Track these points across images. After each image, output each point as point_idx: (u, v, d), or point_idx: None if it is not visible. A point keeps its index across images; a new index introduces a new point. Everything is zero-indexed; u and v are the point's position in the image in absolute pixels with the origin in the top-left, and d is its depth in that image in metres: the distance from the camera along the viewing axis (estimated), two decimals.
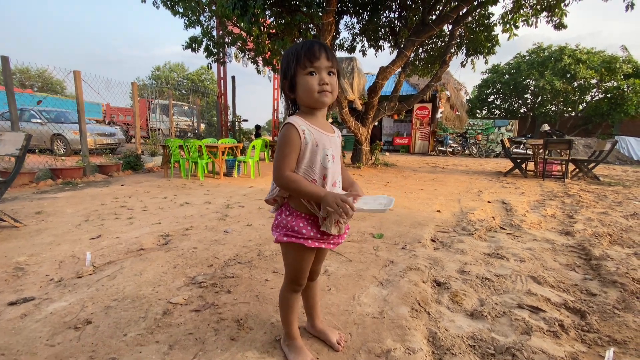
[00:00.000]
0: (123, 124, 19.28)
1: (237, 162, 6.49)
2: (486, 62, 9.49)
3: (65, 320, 1.38)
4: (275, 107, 16.58)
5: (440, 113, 15.89)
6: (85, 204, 3.75)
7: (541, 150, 6.54)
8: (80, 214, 3.33)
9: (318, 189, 1.00)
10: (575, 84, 15.99)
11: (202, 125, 13.64)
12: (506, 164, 9.56)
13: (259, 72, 10.41)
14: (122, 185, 5.26)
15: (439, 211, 3.69)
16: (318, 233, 1.06)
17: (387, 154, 14.61)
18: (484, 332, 1.38)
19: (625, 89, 14.73)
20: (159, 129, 13.96)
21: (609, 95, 15.29)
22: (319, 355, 1.21)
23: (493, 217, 3.45)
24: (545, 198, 4.66)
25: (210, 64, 9.14)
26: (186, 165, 6.23)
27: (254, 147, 6.46)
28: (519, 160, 7.18)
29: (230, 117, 12.70)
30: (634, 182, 6.46)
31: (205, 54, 8.39)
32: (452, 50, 8.58)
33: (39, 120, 10.08)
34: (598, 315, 1.57)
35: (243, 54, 9.22)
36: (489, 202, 4.34)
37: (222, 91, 12.33)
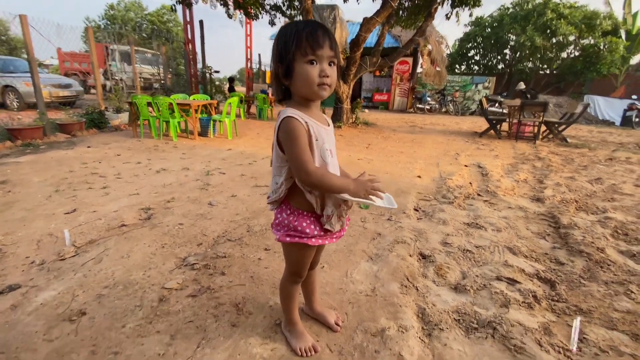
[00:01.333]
0: (79, 72, 17.41)
1: (212, 121, 6.17)
2: (471, 15, 9.17)
3: (58, 312, 1.34)
4: (249, 56, 15.51)
5: (421, 67, 15.61)
6: (52, 171, 3.49)
7: (517, 111, 6.70)
8: (49, 183, 3.10)
9: (346, 180, 0.96)
10: (554, 40, 15.99)
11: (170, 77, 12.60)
12: (481, 123, 9.76)
13: (229, 16, 9.50)
14: (89, 147, 4.91)
15: (419, 177, 3.78)
16: (321, 230, 1.05)
17: (366, 110, 14.44)
18: (467, 306, 1.50)
19: (602, 47, 14.96)
20: (120, 79, 12.75)
21: (584, 54, 15.51)
22: (319, 337, 1.28)
23: (470, 183, 3.60)
24: (518, 161, 4.88)
25: (175, 5, 8.19)
26: (156, 124, 5.84)
27: (230, 104, 6.12)
28: (494, 122, 7.35)
29: (199, 67, 11.77)
30: (599, 144, 6.88)
31: None
32: (438, 0, 8.15)
33: None
34: (566, 284, 1.74)
35: None
36: (465, 165, 4.49)
37: (190, 37, 11.25)
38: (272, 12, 9.94)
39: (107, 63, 13.20)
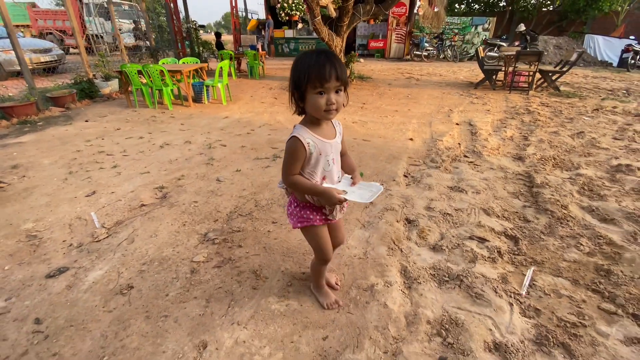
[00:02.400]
0: (55, 31, 16.32)
1: (205, 87, 6.14)
2: None
3: (109, 287, 1.66)
4: (234, 4, 14.50)
5: (419, 7, 14.73)
6: (59, 151, 3.65)
7: (512, 61, 6.63)
8: (60, 165, 3.30)
9: (316, 188, 1.20)
10: None
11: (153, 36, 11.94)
12: (478, 71, 9.62)
13: None
14: (87, 121, 4.99)
15: (411, 139, 3.98)
16: (323, 215, 1.32)
17: (361, 60, 13.96)
18: (442, 263, 1.84)
19: None
20: (100, 37, 12.08)
21: None
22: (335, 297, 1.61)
23: (459, 144, 3.82)
24: (508, 116, 5.04)
25: None
26: (149, 92, 5.81)
27: (221, 69, 6.03)
28: (490, 72, 7.29)
29: (183, 22, 11.12)
30: (590, 92, 6.94)
31: None
32: None
33: None
34: (528, 240, 2.07)
35: None
36: (457, 124, 4.66)
37: None
38: None
39: (83, 20, 12.39)
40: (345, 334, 1.41)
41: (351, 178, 1.31)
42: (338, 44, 7.95)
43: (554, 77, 6.76)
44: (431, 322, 1.48)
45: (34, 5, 17.25)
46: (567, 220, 2.24)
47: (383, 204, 2.45)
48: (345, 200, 1.18)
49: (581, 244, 1.99)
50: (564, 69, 6.61)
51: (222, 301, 1.56)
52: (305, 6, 7.14)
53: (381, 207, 2.40)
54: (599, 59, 12.73)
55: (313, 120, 1.18)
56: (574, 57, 6.49)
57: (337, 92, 1.10)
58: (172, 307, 1.53)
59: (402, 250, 1.96)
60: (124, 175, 3.03)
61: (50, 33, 16.14)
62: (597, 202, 2.47)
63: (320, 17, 7.31)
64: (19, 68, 8.54)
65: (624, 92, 6.94)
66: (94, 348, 1.34)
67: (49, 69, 9.25)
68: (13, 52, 8.26)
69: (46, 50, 9.70)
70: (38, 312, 1.52)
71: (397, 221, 2.23)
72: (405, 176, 2.97)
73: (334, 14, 7.69)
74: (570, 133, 4.16)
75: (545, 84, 6.97)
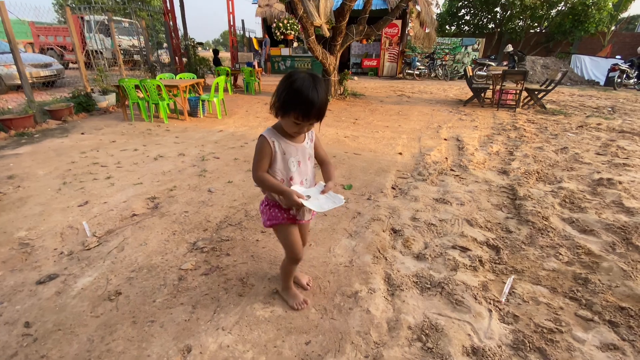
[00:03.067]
0: (55, 47, 16.59)
1: (200, 101, 6.26)
2: None
3: (98, 294, 1.68)
4: (232, 22, 14.91)
5: (410, 28, 15.27)
6: (54, 163, 3.69)
7: (499, 80, 6.88)
8: (55, 176, 3.34)
9: (280, 187, 1.28)
10: None
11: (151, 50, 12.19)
12: (468, 90, 9.91)
13: None
14: (82, 133, 5.05)
15: (400, 154, 4.09)
16: (290, 215, 1.40)
17: (355, 78, 14.34)
18: (425, 271, 1.89)
19: (590, 5, 14.75)
20: (100, 52, 12.30)
21: (573, 12, 15.29)
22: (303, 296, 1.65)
23: (446, 158, 3.93)
24: (495, 132, 5.19)
25: None
26: (146, 106, 5.92)
27: (217, 84, 6.18)
28: (478, 90, 7.54)
29: (182, 39, 11.40)
30: (576, 109, 7.18)
31: None
32: None
33: None
34: (509, 249, 2.14)
35: None
36: (445, 139, 4.79)
37: (169, 7, 10.79)
38: None
39: (84, 35, 12.67)
40: (328, 338, 1.44)
41: (324, 186, 1.37)
42: (332, 62, 8.20)
43: (539, 95, 7.00)
44: (412, 327, 1.52)
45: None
46: (548, 231, 2.31)
47: (370, 214, 2.51)
48: (302, 205, 1.26)
49: (560, 254, 2.06)
50: (549, 88, 6.87)
51: (208, 307, 1.59)
52: (299, 26, 7.39)
53: (368, 218, 2.46)
54: (586, 78, 13.20)
55: (283, 129, 1.29)
56: (558, 76, 6.76)
57: (310, 124, 1.22)
58: (158, 312, 1.55)
59: (386, 259, 2.01)
60: (117, 186, 3.07)
61: (51, 48, 16.44)
62: (578, 214, 2.56)
63: (314, 36, 7.57)
64: (18, 82, 8.67)
65: (609, 109, 7.19)
66: (80, 351, 1.36)
67: (48, 83, 9.39)
68: (14, 66, 8.41)
69: (46, 65, 9.87)
70: (28, 317, 1.54)
71: (383, 231, 2.29)
72: (393, 188, 3.05)
73: (327, 33, 7.96)
74: (555, 148, 4.30)
75: (532, 102, 7.22)
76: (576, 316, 1.59)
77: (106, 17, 12.13)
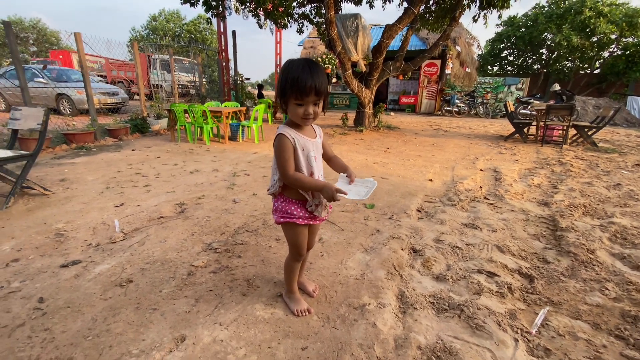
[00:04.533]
0: (124, 80, 18.95)
1: (241, 127, 6.66)
2: (500, 17, 9.03)
3: (111, 279, 1.74)
4: (278, 62, 16.12)
5: (449, 70, 15.38)
6: (103, 171, 4.06)
7: (543, 115, 6.56)
8: (100, 182, 3.65)
9: (318, 182, 1.28)
10: (595, 39, 15.12)
11: (204, 84, 13.45)
12: (510, 127, 9.54)
13: (260, 26, 10.04)
14: (133, 150, 5.54)
15: (430, 180, 3.95)
16: (306, 213, 1.36)
17: (392, 114, 14.50)
18: (444, 292, 1.72)
19: None
20: (160, 86, 13.80)
21: (627, 53, 14.53)
22: (308, 304, 1.57)
23: (480, 187, 3.71)
24: (538, 166, 4.86)
25: (210, 18, 8.85)
26: (192, 129, 6.42)
27: (257, 112, 6.58)
28: (520, 125, 7.22)
29: (232, 75, 12.49)
30: (632, 149, 6.56)
31: (204, 7, 8.10)
32: (465, 2, 8.12)
33: (42, 80, 10.09)
34: (545, 280, 1.90)
35: (243, 6, 8.83)
36: (481, 170, 4.57)
37: (223, 47, 11.99)
38: (300, 21, 10.37)
39: (150, 72, 14.38)
40: (327, 347, 1.34)
41: (347, 176, 1.36)
42: (367, 95, 8.42)
43: (590, 132, 6.52)
44: (422, 348, 1.36)
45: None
46: (593, 265, 2.04)
47: (390, 232, 2.40)
48: (341, 192, 1.22)
49: (607, 288, 1.79)
50: (600, 125, 6.39)
51: (210, 302, 1.57)
52: (337, 61, 7.79)
53: (387, 235, 2.35)
54: None
55: (293, 123, 1.30)
56: (611, 112, 6.30)
57: (315, 104, 1.22)
58: (162, 302, 1.56)
59: (402, 276, 1.87)
60: (152, 193, 3.28)
61: (121, 81, 18.81)
62: (630, 249, 2.24)
63: (350, 70, 7.90)
64: (87, 107, 9.93)
65: None
66: (82, 328, 1.39)
67: (114, 109, 10.64)
68: (83, 93, 9.65)
69: (113, 94, 11.23)
70: (44, 293, 1.62)
71: (402, 249, 2.16)
72: (418, 210, 2.92)
73: (364, 69, 8.27)
74: (606, 185, 3.90)
75: (581, 139, 6.73)
76: (621, 356, 1.33)
77: (169, 56, 13.76)
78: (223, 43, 11.90)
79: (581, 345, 1.40)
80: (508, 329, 1.47)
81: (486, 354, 1.33)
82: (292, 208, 1.36)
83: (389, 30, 7.67)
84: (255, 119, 6.61)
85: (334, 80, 16.01)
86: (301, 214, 1.36)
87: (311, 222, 1.41)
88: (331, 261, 2.00)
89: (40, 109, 3.22)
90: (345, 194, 1.22)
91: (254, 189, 3.40)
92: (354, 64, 8.21)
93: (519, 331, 1.47)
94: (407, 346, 1.36)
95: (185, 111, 6.30)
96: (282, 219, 1.38)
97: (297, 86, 1.16)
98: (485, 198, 3.33)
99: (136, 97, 17.99)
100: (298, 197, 1.36)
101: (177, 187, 3.49)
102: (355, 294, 1.68)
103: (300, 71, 1.16)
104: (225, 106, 7.82)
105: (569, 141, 6.67)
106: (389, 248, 2.14)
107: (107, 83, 17.48)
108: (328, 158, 1.45)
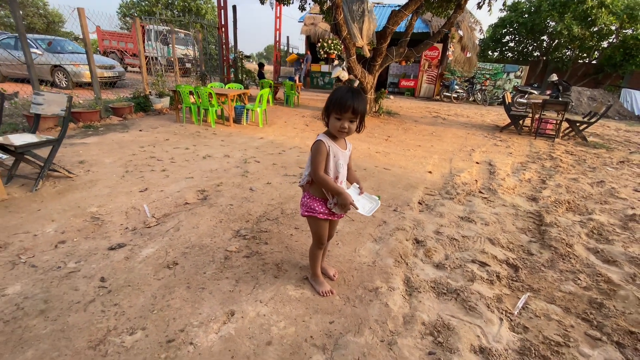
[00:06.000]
0: (117, 50, 18.36)
1: (245, 110, 6.77)
2: (504, 5, 9.04)
3: (159, 262, 2.01)
4: (277, 38, 15.82)
5: (450, 52, 15.33)
6: (117, 153, 4.22)
7: (538, 108, 6.81)
8: (119, 165, 3.83)
9: (339, 188, 1.55)
10: (595, 29, 15.15)
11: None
12: (506, 117, 9.78)
13: (262, 1, 9.85)
14: (140, 130, 5.66)
15: (430, 172, 4.23)
16: (327, 210, 1.64)
17: (391, 97, 14.57)
18: (443, 278, 2.04)
19: None
20: (155, 59, 13.51)
21: (625, 45, 14.66)
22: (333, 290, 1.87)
23: (476, 180, 4.01)
24: (529, 160, 5.17)
25: None
26: (197, 110, 6.51)
27: (261, 96, 6.67)
28: (516, 117, 7.47)
29: (232, 55, 12.30)
30: (619, 144, 6.91)
31: None
32: None
33: (36, 50, 9.80)
34: (528, 270, 2.23)
35: None
36: (477, 162, 4.86)
37: (223, 23, 11.73)
38: None
39: (145, 44, 14.01)
40: (349, 321, 1.64)
41: (358, 187, 1.65)
42: (369, 81, 8.51)
43: (581, 127, 6.83)
44: (426, 324, 1.68)
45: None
46: (570, 258, 2.37)
47: (395, 224, 2.69)
48: (353, 205, 1.53)
49: (579, 279, 2.12)
50: (592, 120, 6.69)
51: (249, 283, 1.86)
52: (342, 46, 7.82)
53: (393, 227, 2.64)
54: (636, 114, 12.50)
55: (331, 133, 1.56)
56: (602, 109, 6.57)
57: (351, 121, 1.48)
58: (208, 282, 1.84)
59: (407, 264, 2.18)
60: (171, 178, 3.49)
61: (113, 52, 18.21)
62: (604, 245, 2.58)
63: (355, 56, 7.94)
64: (84, 80, 9.76)
65: None
66: (146, 304, 1.66)
67: (110, 84, 10.48)
68: (81, 66, 9.50)
69: (110, 67, 11.01)
70: (103, 273, 1.89)
71: (407, 240, 2.46)
72: (419, 203, 3.21)
73: (368, 54, 8.31)
74: (591, 181, 4.23)
75: (573, 133, 7.04)
76: (585, 335, 1.67)
77: (166, 28, 13.39)
78: (223, 18, 11.64)
79: (553, 325, 1.73)
80: (495, 310, 1.79)
81: (477, 329, 1.65)
82: (315, 205, 1.64)
83: (394, 17, 7.67)
84: (260, 103, 6.71)
85: (336, 62, 15.86)
86: (322, 210, 1.64)
87: (330, 218, 1.68)
88: (346, 249, 2.29)
89: (63, 95, 3.35)
90: (357, 209, 1.54)
91: (267, 177, 3.63)
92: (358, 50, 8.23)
93: (503, 312, 1.80)
94: (413, 322, 1.68)
95: (191, 92, 6.37)
96: (306, 213, 1.67)
97: (339, 104, 1.43)
98: (480, 192, 3.63)
99: (130, 69, 17.53)
100: (320, 196, 1.63)
101: (194, 172, 3.70)
102: (369, 279, 1.98)
103: (344, 93, 1.45)
104: (230, 88, 7.87)
105: (561, 134, 6.97)
106: (395, 239, 2.44)
107: (100, 54, 16.96)
108: (347, 168, 1.70)
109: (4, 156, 3.61)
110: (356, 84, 8.56)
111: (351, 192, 1.63)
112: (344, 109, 1.42)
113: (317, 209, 1.63)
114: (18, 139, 3.09)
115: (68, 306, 1.63)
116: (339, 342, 1.52)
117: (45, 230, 2.38)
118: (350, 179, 1.72)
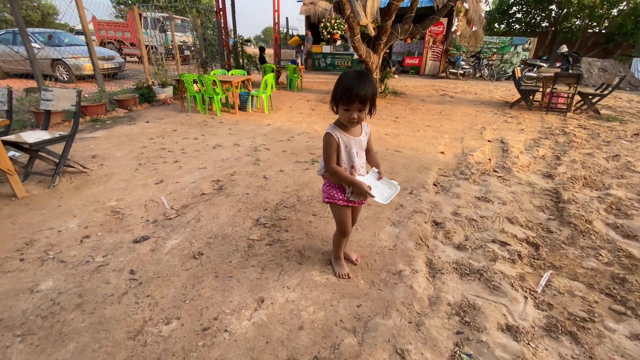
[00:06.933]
0: (114, 40, 18.04)
1: (250, 97, 6.70)
2: None
3: (184, 253, 2.04)
4: (277, 20, 15.42)
5: (456, 27, 14.85)
6: (128, 146, 4.23)
7: (549, 82, 6.63)
8: (130, 157, 3.85)
9: (352, 178, 1.56)
10: None
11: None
12: (515, 92, 9.57)
13: None
14: (147, 122, 5.64)
15: (442, 152, 4.19)
16: (345, 197, 1.66)
17: (396, 76, 14.26)
18: (464, 259, 2.05)
19: None
20: (153, 47, 13.28)
21: (636, 13, 14.04)
22: (358, 274, 1.90)
23: (489, 159, 3.97)
24: (542, 136, 5.09)
25: None
26: (201, 98, 6.45)
27: (266, 81, 6.58)
28: (527, 92, 7.29)
29: (231, 39, 12.05)
30: (633, 116, 6.74)
31: None
32: None
33: (35, 45, 9.68)
34: (549, 247, 2.23)
35: None
36: (489, 141, 4.79)
37: (221, 6, 11.42)
38: None
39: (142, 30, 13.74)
40: (376, 304, 1.68)
41: (377, 172, 1.64)
42: (375, 60, 8.32)
43: (594, 100, 6.66)
44: (451, 304, 1.71)
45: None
46: (590, 234, 2.37)
47: (412, 207, 2.70)
48: (369, 194, 1.53)
49: (600, 255, 2.13)
50: (605, 93, 6.51)
51: (274, 270, 1.89)
52: (346, 25, 7.59)
53: (411, 210, 2.65)
54: None
55: (341, 123, 1.54)
56: (615, 81, 6.38)
57: (360, 110, 1.44)
58: (234, 270, 1.88)
59: (428, 247, 2.19)
60: (185, 169, 3.50)
61: (110, 42, 17.89)
62: (623, 220, 2.56)
63: (359, 35, 7.73)
64: (85, 72, 9.66)
65: None
66: (177, 294, 1.71)
67: (110, 75, 10.36)
68: (81, 58, 9.37)
69: (110, 59, 10.87)
70: (131, 266, 1.93)
71: (425, 222, 2.47)
72: (434, 185, 3.20)
73: (372, 32, 8.08)
74: (606, 156, 4.17)
75: (585, 107, 6.88)
76: (609, 310, 1.69)
77: (163, 15, 13.10)
78: (221, 1, 11.33)
79: (577, 301, 1.75)
80: (519, 289, 1.81)
81: (502, 308, 1.68)
82: (334, 192, 1.66)
83: None
84: (265, 88, 6.63)
85: (338, 42, 15.47)
86: (341, 197, 1.66)
87: (350, 205, 1.69)
88: (365, 234, 2.31)
89: (72, 90, 3.33)
90: (374, 197, 1.54)
91: (279, 165, 3.63)
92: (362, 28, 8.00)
93: (527, 290, 1.82)
94: (439, 303, 1.71)
95: (194, 80, 6.30)
96: (327, 200, 1.69)
97: (345, 94, 1.39)
98: (495, 171, 3.60)
99: (128, 59, 17.27)
100: (339, 183, 1.65)
101: (206, 162, 3.71)
102: (392, 262, 2.01)
103: (350, 81, 1.39)
104: (233, 74, 7.75)
105: (572, 108, 6.81)
106: (414, 222, 2.45)
107: (97, 44, 16.68)
108: (367, 151, 1.68)
109: (17, 154, 3.65)
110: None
111: (369, 178, 1.63)
112: (351, 100, 1.38)
113: (336, 196, 1.66)
114: (31, 136, 3.11)
115: (102, 299, 1.68)
116: (369, 325, 1.55)
117: (69, 225, 2.42)
118: (371, 162, 1.70)
